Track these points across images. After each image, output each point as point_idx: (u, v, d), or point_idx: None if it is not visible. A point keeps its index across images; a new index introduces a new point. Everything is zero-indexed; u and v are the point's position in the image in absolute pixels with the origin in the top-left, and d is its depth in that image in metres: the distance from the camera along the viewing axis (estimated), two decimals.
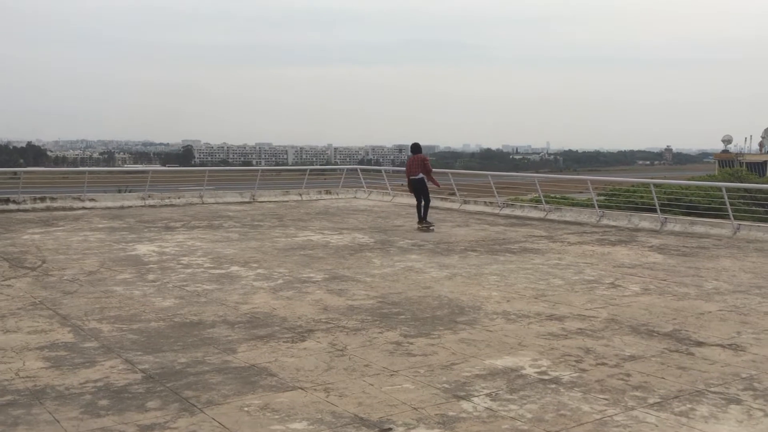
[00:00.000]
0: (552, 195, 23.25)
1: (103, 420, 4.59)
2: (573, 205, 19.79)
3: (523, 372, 5.66)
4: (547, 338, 6.64)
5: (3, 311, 7.43)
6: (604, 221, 16.10)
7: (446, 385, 5.31)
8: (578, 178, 29.30)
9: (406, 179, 15.38)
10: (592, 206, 17.40)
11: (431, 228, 14.63)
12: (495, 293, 8.61)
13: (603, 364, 5.89)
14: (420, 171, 14.89)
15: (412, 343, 6.41)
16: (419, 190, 14.95)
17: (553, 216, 17.19)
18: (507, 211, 18.38)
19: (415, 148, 15.29)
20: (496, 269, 10.22)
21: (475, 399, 5.04)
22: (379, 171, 26.01)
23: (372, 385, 5.31)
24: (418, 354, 6.10)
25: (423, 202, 14.91)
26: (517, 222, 16.46)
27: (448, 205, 20.06)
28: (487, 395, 5.12)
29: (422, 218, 14.88)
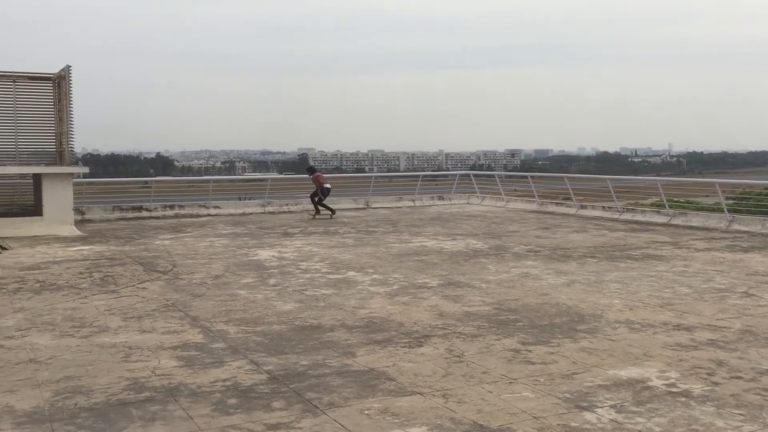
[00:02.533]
0: (675, 199, 22.15)
1: (232, 418, 4.81)
2: (699, 209, 18.78)
3: (650, 384, 5.42)
4: (674, 349, 6.34)
5: (139, 312, 7.94)
6: (735, 226, 15.17)
7: (567, 395, 5.17)
8: (705, 180, 27.74)
9: (321, 189, 18.73)
10: (720, 210, 16.44)
11: (316, 217, 18.55)
12: (616, 301, 8.31)
13: (738, 377, 5.55)
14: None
15: (530, 351, 6.30)
16: (327, 196, 19.14)
17: (677, 221, 16.38)
18: (627, 215, 17.70)
19: (312, 169, 20.62)
20: (617, 276, 9.86)
21: (599, 410, 4.88)
22: (492, 176, 25.67)
23: (491, 392, 5.26)
24: (537, 362, 5.99)
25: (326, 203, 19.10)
26: (638, 227, 15.81)
27: (563, 210, 19.56)
28: (611, 407, 4.94)
29: (332, 211, 18.83)
